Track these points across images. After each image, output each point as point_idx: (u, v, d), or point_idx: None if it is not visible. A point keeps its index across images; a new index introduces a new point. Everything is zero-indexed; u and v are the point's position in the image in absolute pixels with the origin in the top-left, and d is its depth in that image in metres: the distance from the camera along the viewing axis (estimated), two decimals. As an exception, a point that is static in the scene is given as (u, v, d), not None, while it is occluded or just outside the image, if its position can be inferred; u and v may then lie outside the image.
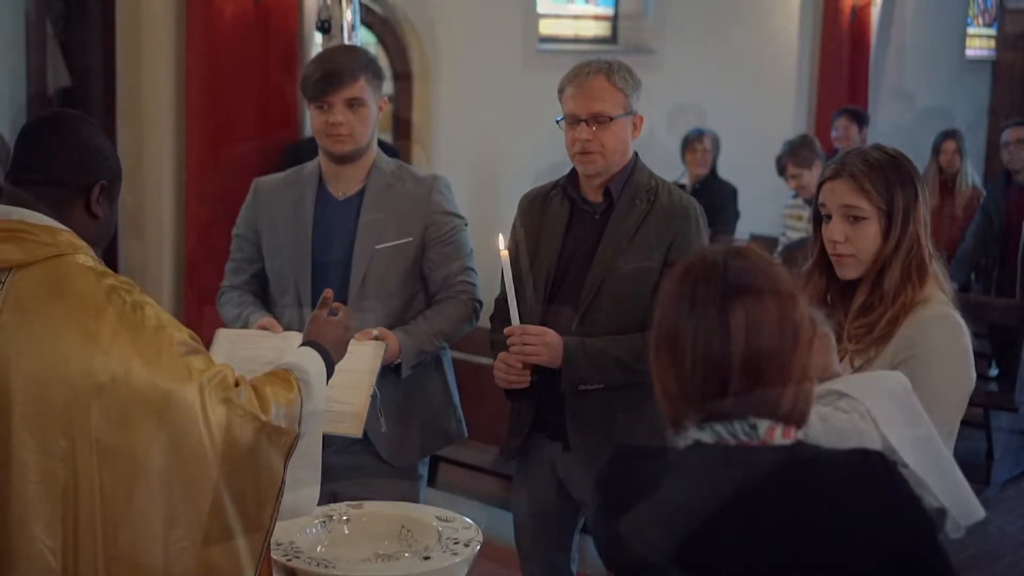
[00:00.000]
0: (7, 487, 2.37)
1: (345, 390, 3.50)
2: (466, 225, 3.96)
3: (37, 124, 2.64)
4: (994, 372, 7.92)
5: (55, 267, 2.45)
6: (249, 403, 2.51)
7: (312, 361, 2.78)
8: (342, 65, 3.77)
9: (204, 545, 2.44)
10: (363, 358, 3.57)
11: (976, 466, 6.95)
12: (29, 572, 2.37)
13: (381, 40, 7.49)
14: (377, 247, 3.79)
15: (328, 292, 3.08)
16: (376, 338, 3.63)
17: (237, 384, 2.53)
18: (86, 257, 2.50)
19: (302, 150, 5.61)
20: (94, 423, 2.35)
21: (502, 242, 3.55)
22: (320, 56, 3.91)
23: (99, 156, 2.60)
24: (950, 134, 8.32)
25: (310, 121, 3.87)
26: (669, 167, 7.61)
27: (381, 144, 6.92)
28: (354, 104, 3.76)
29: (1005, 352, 7.38)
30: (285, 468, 2.56)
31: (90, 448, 2.36)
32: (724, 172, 8.74)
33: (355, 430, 3.51)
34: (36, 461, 2.35)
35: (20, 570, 2.38)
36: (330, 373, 2.84)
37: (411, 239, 3.83)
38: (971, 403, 2.89)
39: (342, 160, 3.82)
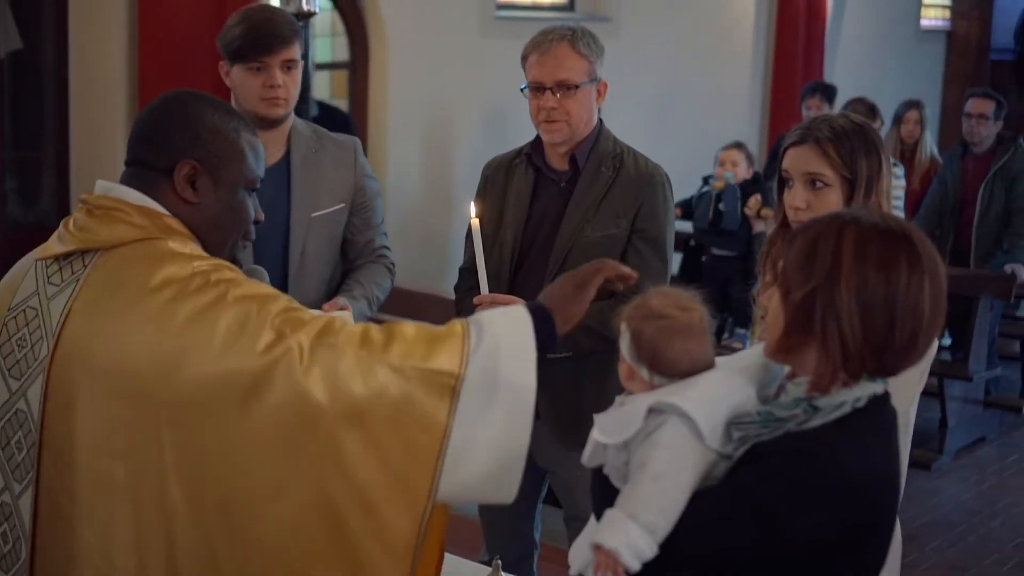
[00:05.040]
0: (71, 490, 2.21)
1: None
2: (380, 190, 3.95)
3: (149, 106, 2.44)
4: (947, 342, 7.97)
5: (141, 251, 2.27)
6: (350, 339, 2.20)
7: (501, 314, 2.35)
8: (280, 26, 3.64)
9: (333, 507, 2.17)
10: None
11: (930, 435, 7.02)
12: (77, 569, 2.22)
13: (337, 4, 7.40)
14: (313, 215, 3.72)
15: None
16: (341, 308, 3.57)
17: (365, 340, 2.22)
18: (178, 243, 2.30)
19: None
20: (166, 416, 2.15)
21: (473, 209, 3.51)
22: (248, 16, 3.72)
23: (189, 134, 2.36)
24: (913, 104, 8.30)
25: (237, 84, 3.67)
26: (625, 133, 7.57)
27: (334, 110, 6.90)
28: (290, 66, 3.66)
29: (959, 322, 7.42)
30: (451, 416, 2.18)
31: (160, 442, 2.14)
32: (678, 139, 8.73)
33: None
34: (95, 461, 2.18)
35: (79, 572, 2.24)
36: (546, 335, 2.33)
37: (343, 205, 3.78)
38: (925, 372, 2.90)
39: (270, 125, 3.71)
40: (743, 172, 7.17)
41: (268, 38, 3.62)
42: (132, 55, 6.21)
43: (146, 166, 2.36)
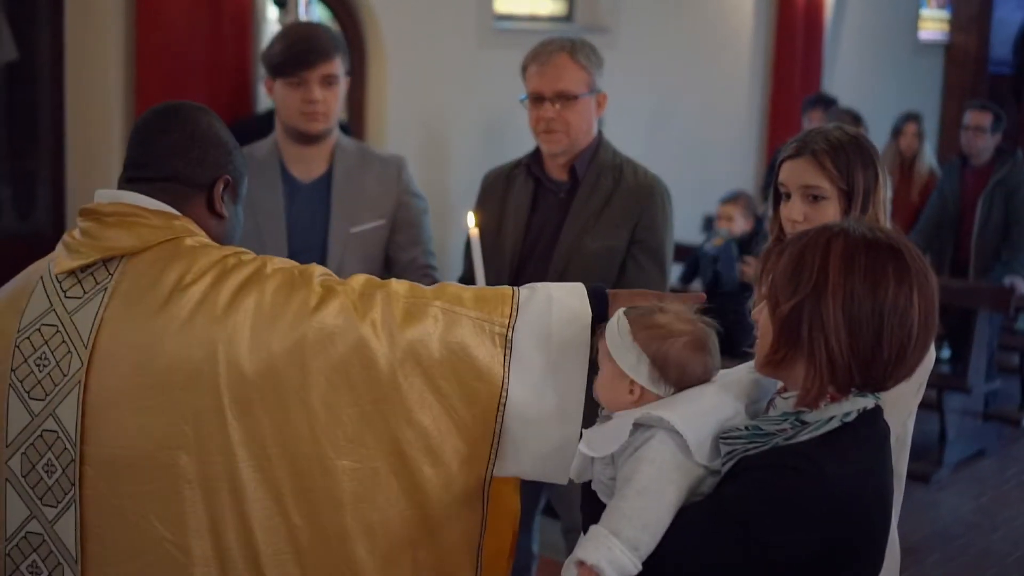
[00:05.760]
0: (133, 492, 2.20)
1: None
2: (428, 207, 3.90)
3: (150, 117, 2.41)
4: (947, 354, 7.95)
5: (168, 250, 2.27)
6: (398, 289, 2.32)
7: (555, 283, 2.42)
8: (319, 41, 3.67)
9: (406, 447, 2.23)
10: None
11: (929, 448, 6.99)
12: (151, 566, 2.21)
13: (336, 15, 7.40)
14: (352, 231, 3.71)
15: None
16: None
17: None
18: (200, 239, 2.32)
19: (250, 128, 5.48)
20: (229, 396, 2.17)
21: (471, 220, 3.50)
22: (289, 31, 3.79)
23: (221, 149, 2.40)
24: (912, 117, 8.28)
25: (279, 99, 3.72)
26: (623, 143, 7.56)
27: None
28: (330, 81, 3.67)
29: (958, 334, 7.41)
30: (506, 369, 2.25)
31: (226, 425, 2.16)
32: (677, 150, 8.69)
33: None
34: (159, 455, 2.17)
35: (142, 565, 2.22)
36: (600, 309, 2.37)
37: (384, 221, 3.76)
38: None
39: (312, 140, 3.71)
40: (740, 226, 6.96)
41: (306, 53, 3.64)
42: (129, 66, 6.18)
43: (174, 180, 2.36)
